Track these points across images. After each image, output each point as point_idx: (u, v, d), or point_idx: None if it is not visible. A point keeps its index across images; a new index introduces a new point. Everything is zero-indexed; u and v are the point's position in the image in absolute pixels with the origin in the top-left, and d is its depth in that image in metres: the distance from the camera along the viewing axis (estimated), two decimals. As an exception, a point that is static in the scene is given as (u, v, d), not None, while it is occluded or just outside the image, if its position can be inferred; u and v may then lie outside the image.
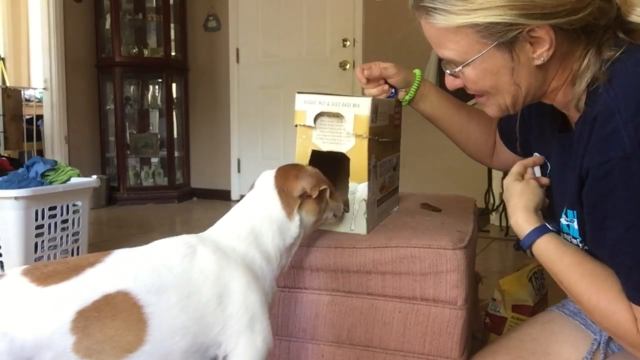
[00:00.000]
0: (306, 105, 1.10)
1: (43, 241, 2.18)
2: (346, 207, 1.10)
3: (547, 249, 0.85)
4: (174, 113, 4.70)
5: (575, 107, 0.80)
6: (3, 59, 5.48)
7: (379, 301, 1.08)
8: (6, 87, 4.44)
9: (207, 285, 0.81)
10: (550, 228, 0.87)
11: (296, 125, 1.11)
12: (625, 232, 0.72)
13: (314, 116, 1.09)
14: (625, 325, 0.75)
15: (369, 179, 1.08)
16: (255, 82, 4.54)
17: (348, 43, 4.10)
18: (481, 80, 0.83)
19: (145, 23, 4.65)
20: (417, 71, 1.21)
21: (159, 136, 4.72)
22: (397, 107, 1.27)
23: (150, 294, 0.76)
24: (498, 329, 1.52)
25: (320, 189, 0.95)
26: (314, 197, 0.95)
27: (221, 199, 4.67)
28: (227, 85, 4.65)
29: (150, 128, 4.82)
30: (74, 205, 2.33)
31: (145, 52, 4.68)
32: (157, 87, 4.75)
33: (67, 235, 2.32)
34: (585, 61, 0.78)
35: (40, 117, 4.36)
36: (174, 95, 4.70)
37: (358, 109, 1.05)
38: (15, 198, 2.03)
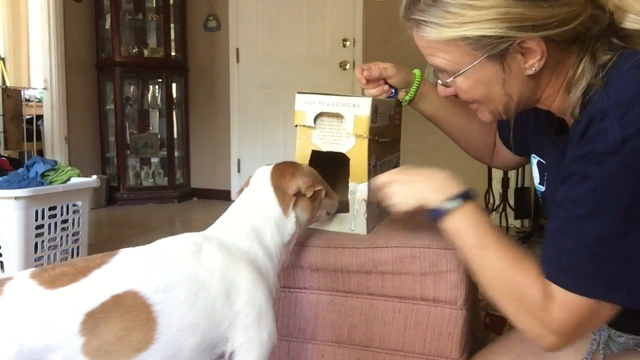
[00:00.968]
0: (306, 106, 1.10)
1: (43, 241, 2.19)
2: (346, 207, 1.10)
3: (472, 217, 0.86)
4: (174, 113, 4.70)
5: (570, 114, 0.80)
6: (3, 59, 5.47)
7: (379, 301, 1.08)
8: (6, 87, 4.45)
9: (215, 282, 0.82)
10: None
11: (296, 126, 1.11)
12: (580, 217, 0.72)
13: (314, 116, 1.09)
14: (533, 295, 0.75)
15: (369, 179, 1.08)
16: (255, 82, 4.54)
17: (348, 43, 4.10)
18: (473, 90, 0.83)
19: (145, 23, 4.65)
20: (417, 71, 1.21)
21: (159, 136, 4.72)
22: (397, 107, 1.27)
23: (158, 293, 0.77)
24: (498, 329, 1.52)
25: (315, 189, 0.96)
26: (307, 197, 0.96)
27: (221, 199, 4.67)
28: (227, 85, 4.64)
29: (150, 128, 4.82)
30: (74, 205, 2.33)
31: (145, 52, 4.68)
32: (157, 87, 4.75)
33: (67, 235, 2.32)
34: (580, 69, 0.77)
35: (40, 117, 4.36)
36: (174, 95, 4.70)
37: (358, 109, 1.05)
38: (15, 198, 2.04)
